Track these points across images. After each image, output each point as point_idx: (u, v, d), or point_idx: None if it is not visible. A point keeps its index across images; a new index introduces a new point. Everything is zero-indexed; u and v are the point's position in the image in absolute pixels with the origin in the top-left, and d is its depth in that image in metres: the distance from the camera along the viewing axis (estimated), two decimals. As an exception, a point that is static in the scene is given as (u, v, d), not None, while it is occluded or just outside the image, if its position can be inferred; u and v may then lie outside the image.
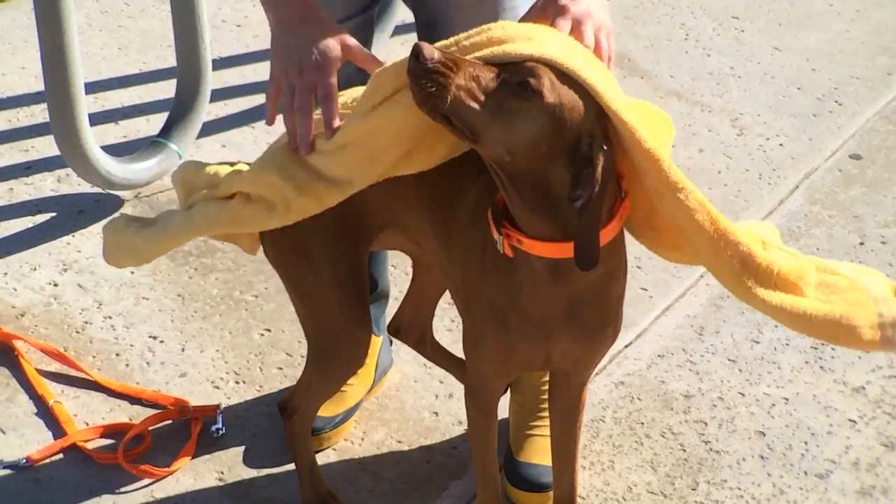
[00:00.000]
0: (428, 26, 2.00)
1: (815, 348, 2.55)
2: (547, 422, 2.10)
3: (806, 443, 2.31)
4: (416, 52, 1.49)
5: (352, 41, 1.70)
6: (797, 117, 3.42)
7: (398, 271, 2.67)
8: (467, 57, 1.55)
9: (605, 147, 1.55)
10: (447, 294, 2.20)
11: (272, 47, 1.72)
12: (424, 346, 2.32)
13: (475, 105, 1.51)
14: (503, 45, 1.54)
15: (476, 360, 1.82)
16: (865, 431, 2.34)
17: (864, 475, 2.24)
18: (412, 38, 3.79)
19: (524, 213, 1.60)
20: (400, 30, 3.64)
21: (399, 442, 2.32)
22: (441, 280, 2.12)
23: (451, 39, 1.61)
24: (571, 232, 1.57)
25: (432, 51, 1.49)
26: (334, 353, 1.95)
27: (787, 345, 2.56)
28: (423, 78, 1.49)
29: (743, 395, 2.43)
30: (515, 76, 1.51)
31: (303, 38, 1.67)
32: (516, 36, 1.56)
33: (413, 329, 2.29)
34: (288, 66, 1.68)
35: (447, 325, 2.55)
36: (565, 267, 1.61)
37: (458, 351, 2.29)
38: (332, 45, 1.68)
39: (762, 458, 2.28)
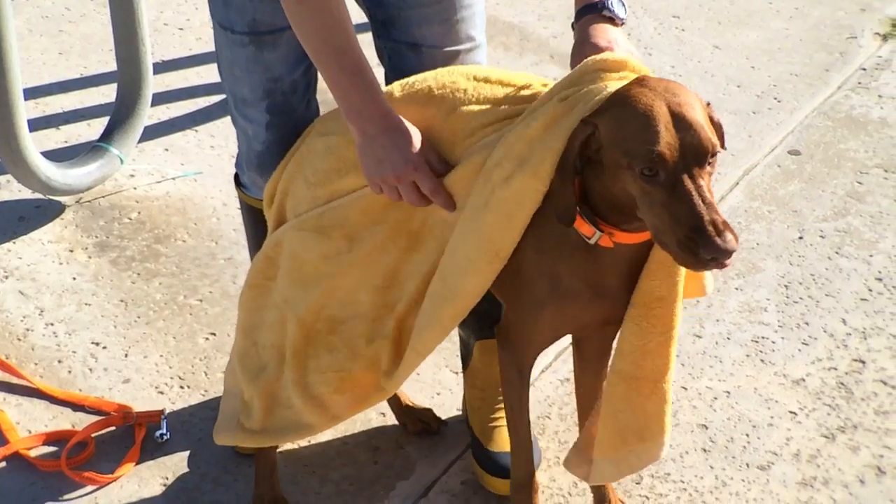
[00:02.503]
0: (385, 24, 2.01)
1: (756, 342, 2.58)
2: (503, 412, 2.17)
3: (747, 435, 2.34)
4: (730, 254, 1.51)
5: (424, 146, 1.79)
6: (737, 114, 3.46)
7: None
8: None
9: None
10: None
11: (361, 155, 1.78)
12: None
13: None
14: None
15: (527, 329, 1.85)
16: (806, 423, 2.38)
17: (804, 466, 2.27)
18: (363, 38, 3.80)
19: (630, 219, 1.64)
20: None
21: (345, 443, 2.32)
22: None
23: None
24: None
25: (734, 245, 1.50)
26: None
27: (728, 339, 2.59)
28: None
29: (685, 389, 2.46)
30: (706, 160, 1.55)
31: (390, 148, 1.75)
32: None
33: None
34: (385, 174, 1.76)
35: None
36: (641, 245, 1.71)
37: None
38: (416, 143, 1.77)
39: (705, 451, 2.31)
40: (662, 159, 1.52)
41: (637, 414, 1.85)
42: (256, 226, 2.16)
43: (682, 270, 1.75)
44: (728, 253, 1.49)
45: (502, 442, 2.20)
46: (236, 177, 2.18)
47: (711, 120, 1.61)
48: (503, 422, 2.22)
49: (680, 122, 1.54)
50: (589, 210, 1.68)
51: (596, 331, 1.92)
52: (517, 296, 1.85)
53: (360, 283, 1.90)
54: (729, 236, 1.49)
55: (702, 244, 1.49)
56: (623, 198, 1.60)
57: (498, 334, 1.92)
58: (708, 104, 1.62)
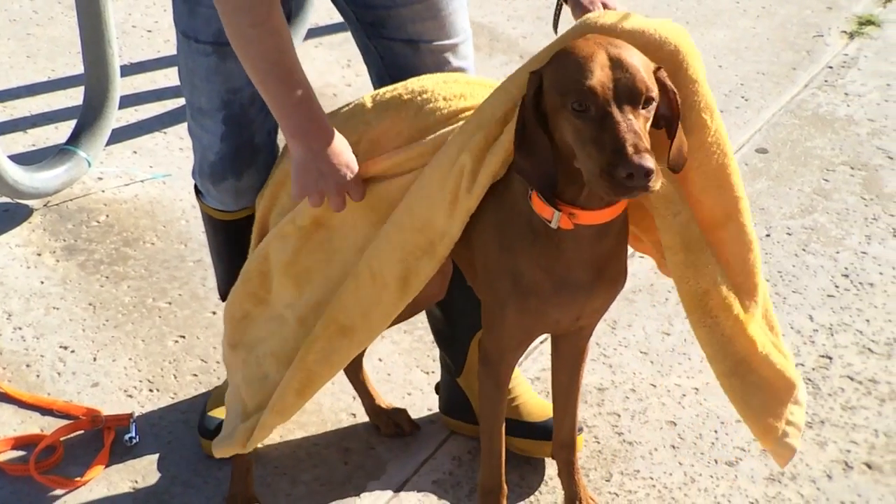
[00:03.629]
0: (374, 25, 2.01)
1: (725, 339, 2.60)
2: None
3: (716, 431, 2.36)
4: (647, 173, 1.49)
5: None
6: (705, 113, 3.48)
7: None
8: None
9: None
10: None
11: (302, 171, 1.80)
12: (351, 363, 2.32)
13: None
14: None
15: (496, 333, 1.86)
16: (773, 418, 2.40)
17: (772, 462, 2.29)
18: (327, 40, 3.80)
19: (580, 186, 1.64)
20: (313, 33, 3.64)
21: (316, 444, 2.32)
22: (404, 312, 2.23)
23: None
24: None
25: (651, 163, 1.50)
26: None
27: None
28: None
29: (654, 386, 2.47)
30: (639, 100, 1.55)
31: (335, 162, 1.79)
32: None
33: None
34: (327, 187, 1.80)
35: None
36: (605, 228, 1.71)
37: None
38: (352, 156, 1.82)
39: (674, 447, 2.32)
40: (592, 93, 1.53)
41: (765, 389, 1.86)
42: (217, 234, 2.17)
43: (708, 267, 1.75)
44: (644, 170, 1.48)
45: (526, 413, 2.26)
46: (196, 185, 2.18)
47: (665, 85, 1.61)
48: (521, 399, 2.27)
49: (616, 63, 1.55)
50: (548, 194, 1.68)
51: (570, 329, 1.92)
52: (486, 301, 1.86)
53: (347, 266, 1.90)
54: (647, 156, 1.49)
55: (620, 163, 1.49)
56: (567, 152, 1.60)
57: (479, 347, 1.94)
58: (659, 68, 1.62)
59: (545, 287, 1.76)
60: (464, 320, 2.22)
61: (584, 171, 1.57)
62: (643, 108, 1.55)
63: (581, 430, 2.28)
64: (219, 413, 2.27)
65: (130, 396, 2.42)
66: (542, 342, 2.52)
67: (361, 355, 2.32)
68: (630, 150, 1.49)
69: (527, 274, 1.75)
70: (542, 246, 1.72)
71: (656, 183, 1.50)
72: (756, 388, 1.86)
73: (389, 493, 2.21)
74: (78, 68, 3.38)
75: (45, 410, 2.37)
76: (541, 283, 1.76)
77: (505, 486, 2.04)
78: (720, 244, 1.77)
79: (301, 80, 1.77)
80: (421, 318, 2.61)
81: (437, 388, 2.39)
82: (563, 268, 1.74)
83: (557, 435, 2.11)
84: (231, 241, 2.15)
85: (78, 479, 2.20)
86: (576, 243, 1.71)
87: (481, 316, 1.91)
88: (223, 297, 2.29)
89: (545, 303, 1.78)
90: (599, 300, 1.82)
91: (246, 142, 2.00)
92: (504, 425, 2.00)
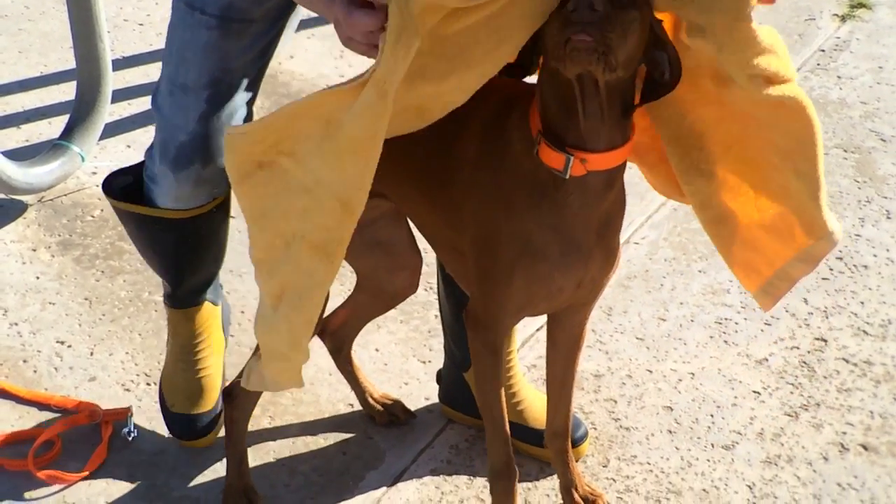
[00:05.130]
0: None
1: (720, 323, 2.61)
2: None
3: (712, 416, 2.37)
4: (590, 4, 1.48)
5: None
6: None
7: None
8: None
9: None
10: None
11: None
12: (339, 356, 2.34)
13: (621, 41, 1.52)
14: None
15: (497, 300, 1.83)
16: (769, 402, 2.40)
17: (769, 445, 2.30)
18: (320, 31, 3.79)
19: (603, 127, 1.64)
20: (306, 24, 3.63)
21: (313, 435, 2.33)
22: (377, 307, 2.26)
23: None
24: (629, 135, 1.67)
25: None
26: None
27: (692, 321, 2.62)
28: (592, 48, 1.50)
29: (651, 371, 2.48)
30: None
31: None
32: None
33: (335, 337, 2.32)
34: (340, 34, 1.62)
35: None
36: (615, 175, 1.71)
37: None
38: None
39: (670, 432, 2.33)
40: None
41: (756, 247, 1.80)
42: (163, 233, 2.15)
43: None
44: (587, 1, 1.48)
45: (532, 419, 2.25)
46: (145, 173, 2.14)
47: (665, 43, 1.60)
48: (526, 403, 2.26)
49: None
50: (552, 136, 1.67)
51: (569, 301, 1.91)
52: (486, 269, 1.83)
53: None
54: None
55: (571, 4, 1.50)
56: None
57: (466, 320, 1.91)
58: (660, 21, 1.62)
59: (553, 249, 1.74)
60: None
61: (546, 42, 1.56)
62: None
63: (586, 434, 2.27)
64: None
65: (128, 390, 2.43)
66: (538, 329, 2.52)
67: (350, 348, 2.33)
68: None
69: (535, 235, 1.74)
70: (549, 203, 1.71)
71: (607, 28, 1.49)
72: (742, 243, 1.80)
73: (387, 482, 2.22)
74: (70, 63, 3.37)
75: (43, 406, 2.37)
76: (549, 245, 1.74)
77: (516, 468, 2.01)
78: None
79: None
80: (417, 308, 2.61)
81: (439, 377, 2.39)
82: (568, 227, 1.73)
83: (551, 424, 2.10)
84: (180, 240, 2.13)
85: (76, 473, 2.21)
86: (583, 197, 1.70)
87: (472, 285, 1.87)
88: (175, 301, 2.29)
89: (552, 266, 1.76)
90: (597, 267, 1.81)
91: (219, 127, 1.98)
92: (505, 402, 1.97)
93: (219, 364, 2.34)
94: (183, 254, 2.22)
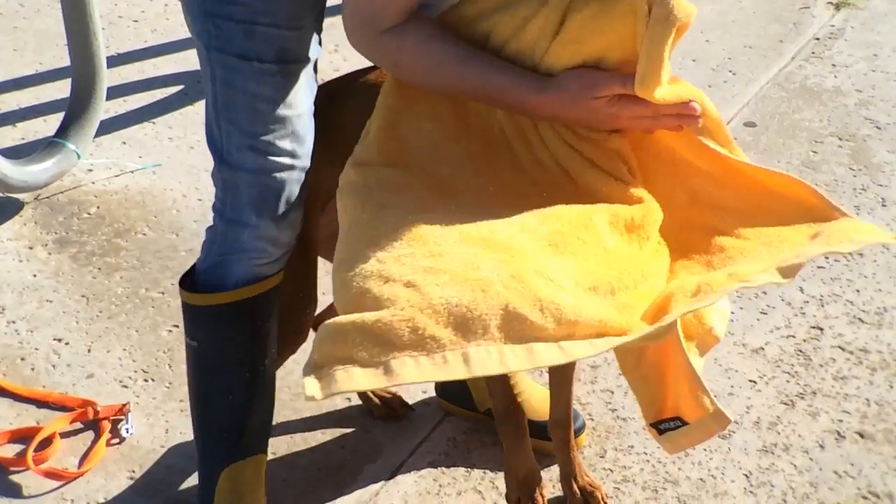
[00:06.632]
0: None
1: (716, 313, 2.61)
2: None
3: (709, 405, 2.37)
4: None
5: None
6: (693, 88, 3.48)
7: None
8: None
9: None
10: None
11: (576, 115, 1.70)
12: None
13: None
14: None
15: None
16: (766, 391, 2.41)
17: (765, 433, 2.30)
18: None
19: None
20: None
21: (311, 429, 2.33)
22: None
23: None
24: None
25: None
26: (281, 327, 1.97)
27: (688, 311, 2.62)
28: None
29: (647, 362, 2.48)
30: None
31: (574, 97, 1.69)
32: None
33: None
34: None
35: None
36: None
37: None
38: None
39: (667, 422, 2.33)
40: None
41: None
42: (236, 324, 1.95)
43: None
44: None
45: (531, 411, 2.22)
46: (195, 277, 2.02)
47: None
48: (525, 395, 2.25)
49: None
50: None
51: None
52: None
53: None
54: None
55: None
56: None
57: None
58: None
59: None
60: None
61: None
62: None
63: (584, 426, 2.28)
64: None
65: (126, 387, 2.43)
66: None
67: None
68: None
69: None
70: None
71: None
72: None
73: (386, 475, 2.22)
74: (66, 60, 3.37)
75: (41, 403, 2.38)
76: None
77: (521, 406, 2.01)
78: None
79: (478, 56, 1.69)
80: (413, 301, 2.61)
81: None
82: None
83: (553, 413, 2.11)
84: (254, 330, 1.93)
85: (75, 470, 2.22)
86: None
87: None
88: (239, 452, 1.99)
89: None
90: None
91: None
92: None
93: None
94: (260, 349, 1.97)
